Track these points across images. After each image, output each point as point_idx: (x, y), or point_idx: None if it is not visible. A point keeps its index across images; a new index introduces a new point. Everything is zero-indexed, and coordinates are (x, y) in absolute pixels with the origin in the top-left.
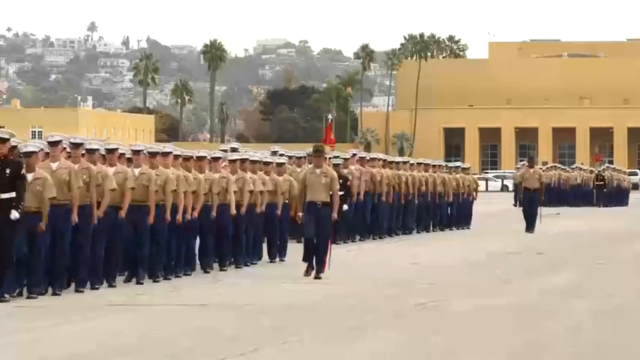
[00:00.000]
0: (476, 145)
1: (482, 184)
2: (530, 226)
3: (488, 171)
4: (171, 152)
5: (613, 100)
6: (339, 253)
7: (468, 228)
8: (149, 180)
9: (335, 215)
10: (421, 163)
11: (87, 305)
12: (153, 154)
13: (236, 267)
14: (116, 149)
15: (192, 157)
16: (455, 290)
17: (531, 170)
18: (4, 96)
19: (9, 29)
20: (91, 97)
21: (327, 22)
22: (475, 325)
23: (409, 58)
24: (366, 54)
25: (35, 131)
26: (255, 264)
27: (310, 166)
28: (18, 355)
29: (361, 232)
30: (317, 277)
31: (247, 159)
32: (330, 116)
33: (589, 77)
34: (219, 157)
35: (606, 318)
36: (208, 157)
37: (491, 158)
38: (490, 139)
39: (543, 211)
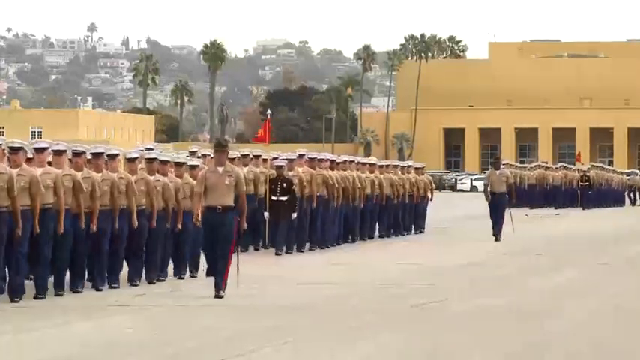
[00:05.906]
0: (476, 145)
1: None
2: (496, 232)
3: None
4: (47, 148)
5: (613, 101)
6: (338, 254)
7: (422, 232)
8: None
9: (244, 225)
10: (366, 164)
11: (87, 306)
12: (14, 150)
13: (149, 283)
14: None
15: (83, 152)
16: (455, 290)
17: (497, 172)
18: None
19: (9, 30)
20: (91, 97)
21: (327, 22)
22: (475, 325)
23: (409, 58)
24: (367, 55)
25: (35, 132)
26: (163, 280)
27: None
28: (19, 356)
29: (311, 241)
30: (217, 296)
31: (155, 158)
32: (268, 112)
33: (589, 77)
34: (117, 155)
35: (606, 318)
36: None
37: (491, 159)
38: (490, 139)
39: (544, 211)
